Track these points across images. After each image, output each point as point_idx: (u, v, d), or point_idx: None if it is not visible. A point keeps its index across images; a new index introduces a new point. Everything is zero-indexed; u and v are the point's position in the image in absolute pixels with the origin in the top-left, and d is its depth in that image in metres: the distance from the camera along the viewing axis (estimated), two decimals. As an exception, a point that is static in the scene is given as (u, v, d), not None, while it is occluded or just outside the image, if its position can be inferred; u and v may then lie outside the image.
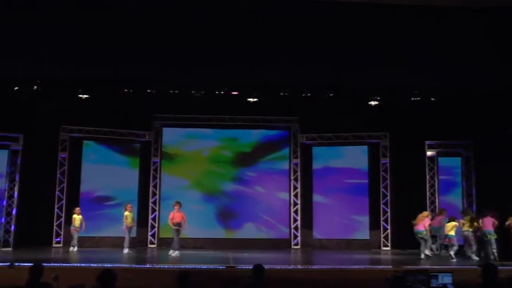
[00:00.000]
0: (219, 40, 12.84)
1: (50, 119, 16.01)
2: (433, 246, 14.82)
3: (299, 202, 17.25)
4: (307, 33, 12.86)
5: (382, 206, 16.80)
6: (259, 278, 7.05)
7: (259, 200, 17.33)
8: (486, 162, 15.39)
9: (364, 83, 14.00)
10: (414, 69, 13.25)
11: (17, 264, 11.00)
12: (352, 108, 16.51)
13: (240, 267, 11.51)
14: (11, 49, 12.64)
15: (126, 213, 15.21)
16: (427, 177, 16.38)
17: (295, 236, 17.10)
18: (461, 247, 14.26)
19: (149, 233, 16.81)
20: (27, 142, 15.62)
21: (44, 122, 15.98)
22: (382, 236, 16.76)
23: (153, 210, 16.95)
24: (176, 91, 15.69)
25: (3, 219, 15.26)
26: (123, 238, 15.10)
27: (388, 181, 16.80)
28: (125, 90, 15.49)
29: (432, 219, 14.69)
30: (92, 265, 11.52)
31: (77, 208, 15.46)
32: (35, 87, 14.86)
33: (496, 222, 13.64)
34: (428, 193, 16.30)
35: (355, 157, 17.37)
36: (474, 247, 14.02)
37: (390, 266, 12.18)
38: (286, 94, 15.75)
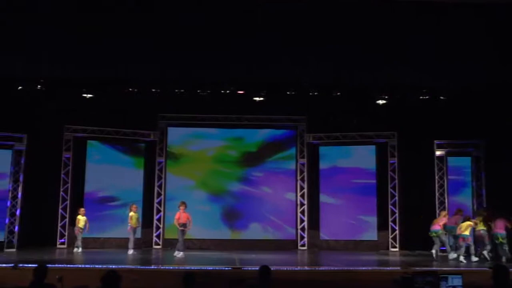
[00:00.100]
0: (225, 39, 12.76)
1: (54, 118, 15.91)
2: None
3: (305, 202, 17.06)
4: (314, 32, 12.75)
5: (390, 206, 16.60)
6: (265, 280, 6.93)
7: (265, 200, 17.16)
8: (496, 162, 15.14)
9: (371, 81, 13.90)
10: (422, 67, 13.13)
11: (21, 265, 10.91)
12: (360, 107, 16.37)
13: (246, 268, 11.39)
14: (14, 49, 12.58)
15: (131, 213, 15.07)
16: (436, 177, 16.10)
17: (302, 237, 16.91)
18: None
19: (154, 234, 16.66)
20: (31, 142, 15.52)
21: (48, 122, 15.87)
22: (390, 237, 16.55)
23: (158, 211, 16.80)
24: (182, 90, 15.62)
25: (7, 220, 15.14)
26: (128, 239, 14.97)
27: (396, 181, 16.60)
28: (130, 89, 15.46)
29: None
30: (97, 266, 11.44)
31: (82, 209, 15.34)
32: (38, 86, 14.81)
33: (509, 225, 13.41)
34: (437, 194, 16.02)
35: (362, 157, 17.16)
36: (489, 247, 13.81)
37: (399, 268, 12.06)
38: (293, 93, 15.64)
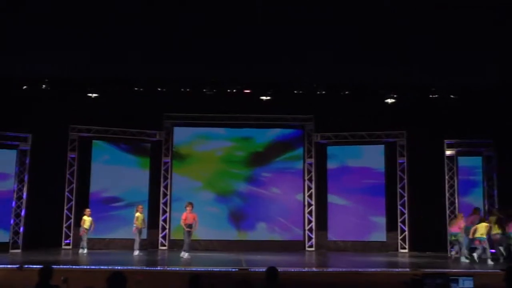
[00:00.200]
0: (231, 38, 12.66)
1: (59, 118, 15.80)
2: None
3: (313, 203, 16.87)
4: (321, 30, 12.60)
5: (399, 207, 16.40)
6: (272, 281, 6.80)
7: (273, 201, 17.01)
8: (508, 162, 14.91)
9: (380, 80, 13.77)
10: (431, 66, 12.96)
11: (26, 266, 10.82)
12: (368, 106, 16.18)
13: (253, 270, 11.24)
14: (19, 49, 12.53)
15: (137, 214, 14.93)
16: (446, 177, 15.84)
17: (310, 238, 16.74)
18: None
19: (160, 235, 16.52)
20: (36, 142, 15.42)
21: (53, 122, 15.74)
22: (400, 238, 16.35)
23: (164, 212, 16.66)
24: (188, 90, 15.52)
25: (12, 221, 15.07)
26: (133, 240, 14.82)
27: (405, 181, 16.41)
28: (135, 88, 15.39)
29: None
30: (102, 267, 11.33)
31: (88, 210, 15.21)
32: (43, 86, 14.73)
33: None
34: (447, 194, 15.76)
35: (371, 156, 16.95)
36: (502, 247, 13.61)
37: (408, 269, 11.87)
38: (300, 92, 15.50)
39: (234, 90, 15.48)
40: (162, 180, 16.74)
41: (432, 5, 12.34)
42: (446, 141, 15.88)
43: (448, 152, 15.87)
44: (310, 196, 16.92)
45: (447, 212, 15.47)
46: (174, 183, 16.89)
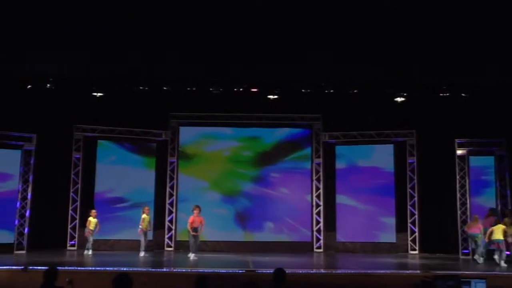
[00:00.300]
0: (237, 36, 12.55)
1: (63, 118, 15.71)
2: None
3: (321, 203, 16.65)
4: (327, 29, 12.51)
5: (409, 207, 16.19)
6: (280, 283, 6.71)
7: (280, 201, 16.83)
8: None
9: (388, 78, 13.61)
10: (441, 63, 12.77)
11: (31, 267, 10.79)
12: (377, 105, 16.02)
13: (260, 271, 11.12)
14: (19, 48, 12.47)
15: (144, 215, 14.75)
16: (457, 177, 15.55)
17: (318, 239, 16.54)
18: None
19: (166, 236, 16.37)
20: (41, 142, 15.33)
21: (57, 121, 15.67)
22: (410, 239, 16.12)
23: (170, 212, 16.49)
24: (194, 89, 15.40)
25: (16, 221, 14.98)
26: (139, 241, 14.66)
27: (415, 181, 16.20)
28: (141, 88, 15.29)
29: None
30: (108, 268, 11.27)
31: (93, 211, 15.07)
32: (48, 85, 14.65)
33: None
34: (458, 194, 15.46)
35: (380, 156, 16.74)
36: None
37: (418, 271, 11.77)
38: (308, 91, 15.35)
39: (241, 89, 15.36)
40: (168, 180, 16.59)
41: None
42: (457, 140, 15.58)
43: (459, 152, 15.57)
44: (318, 196, 16.71)
45: (458, 212, 15.21)
46: (180, 183, 16.73)
